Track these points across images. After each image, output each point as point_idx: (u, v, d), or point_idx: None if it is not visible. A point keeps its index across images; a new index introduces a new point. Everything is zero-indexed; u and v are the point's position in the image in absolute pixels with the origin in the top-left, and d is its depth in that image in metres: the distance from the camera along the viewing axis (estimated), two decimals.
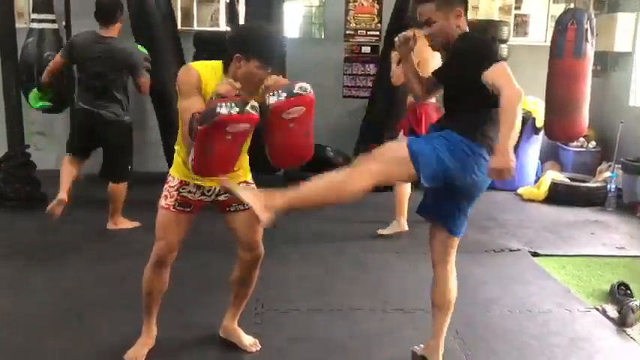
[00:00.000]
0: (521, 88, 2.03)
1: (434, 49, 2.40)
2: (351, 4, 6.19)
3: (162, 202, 2.41)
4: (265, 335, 2.76)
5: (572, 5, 5.35)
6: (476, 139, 2.16)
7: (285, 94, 2.16)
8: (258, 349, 2.65)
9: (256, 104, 2.12)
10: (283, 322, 2.95)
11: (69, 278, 3.45)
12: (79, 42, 4.04)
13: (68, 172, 4.05)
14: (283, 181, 5.65)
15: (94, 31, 4.04)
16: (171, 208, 2.39)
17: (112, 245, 4.03)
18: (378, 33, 6.18)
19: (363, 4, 6.17)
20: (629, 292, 3.32)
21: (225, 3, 5.98)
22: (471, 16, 6.17)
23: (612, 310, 3.15)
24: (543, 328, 2.97)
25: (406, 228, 4.33)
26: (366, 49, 6.22)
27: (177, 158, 2.41)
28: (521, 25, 6.38)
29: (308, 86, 2.22)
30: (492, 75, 2.06)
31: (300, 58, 5.55)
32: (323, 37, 6.43)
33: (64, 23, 5.38)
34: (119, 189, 4.20)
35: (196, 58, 5.45)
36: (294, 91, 2.17)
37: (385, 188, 4.70)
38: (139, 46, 4.24)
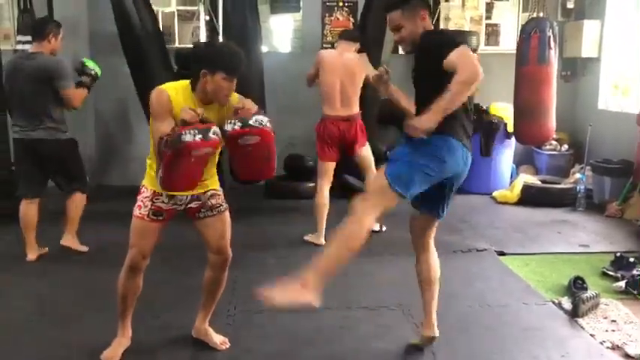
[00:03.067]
0: (480, 69, 2.16)
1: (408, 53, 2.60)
2: (327, 18, 6.41)
3: (136, 211, 2.58)
4: (236, 334, 2.92)
5: (536, 14, 5.56)
6: (444, 131, 2.33)
7: (240, 124, 2.36)
8: (228, 346, 2.82)
9: (218, 130, 2.32)
10: (253, 322, 3.12)
11: (45, 286, 3.59)
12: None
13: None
14: (265, 190, 5.84)
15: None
16: (145, 217, 2.56)
17: (87, 253, 4.15)
18: None
19: (338, 19, 6.39)
20: (584, 285, 3.48)
21: (205, 20, 6.19)
22: (442, 26, 6.40)
23: (567, 303, 3.31)
24: (498, 320, 3.14)
25: (323, 242, 4.27)
26: None
27: (149, 171, 2.58)
28: (492, 34, 6.61)
29: (265, 119, 2.40)
30: (452, 57, 2.20)
31: (282, 71, 5.82)
32: (301, 50, 6.63)
33: None
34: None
35: (179, 74, 5.64)
36: (249, 122, 2.36)
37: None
38: (89, 61, 4.18)
